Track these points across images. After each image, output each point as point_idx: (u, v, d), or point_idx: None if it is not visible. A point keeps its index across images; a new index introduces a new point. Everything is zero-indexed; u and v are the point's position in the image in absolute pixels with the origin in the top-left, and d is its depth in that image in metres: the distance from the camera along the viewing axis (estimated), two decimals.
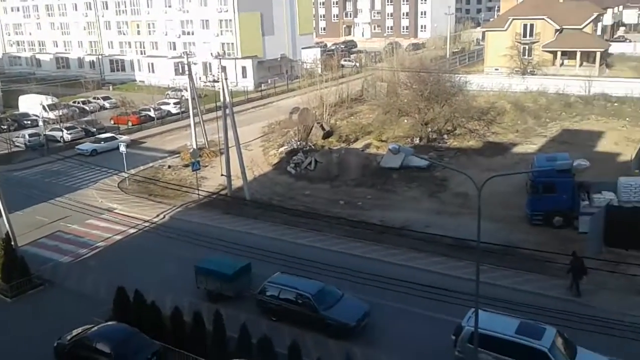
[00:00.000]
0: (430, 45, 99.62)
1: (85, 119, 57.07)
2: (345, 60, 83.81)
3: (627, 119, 46.65)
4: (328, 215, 30.68)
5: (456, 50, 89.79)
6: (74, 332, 20.52)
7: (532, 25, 67.09)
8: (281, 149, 43.94)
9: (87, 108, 62.89)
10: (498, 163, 38.31)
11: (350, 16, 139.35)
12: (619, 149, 39.56)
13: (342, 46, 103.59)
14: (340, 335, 20.70)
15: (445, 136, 44.23)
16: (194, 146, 43.20)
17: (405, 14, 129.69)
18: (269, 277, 22.83)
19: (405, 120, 45.75)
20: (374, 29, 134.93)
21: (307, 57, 79.93)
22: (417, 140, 43.40)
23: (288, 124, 49.04)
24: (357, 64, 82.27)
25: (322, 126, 46.34)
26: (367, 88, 58.57)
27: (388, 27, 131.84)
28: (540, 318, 18.70)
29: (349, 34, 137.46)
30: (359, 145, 44.14)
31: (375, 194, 34.94)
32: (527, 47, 67.22)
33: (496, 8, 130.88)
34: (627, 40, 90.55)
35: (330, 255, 26.48)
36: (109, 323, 20.72)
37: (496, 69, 66.92)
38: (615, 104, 50.39)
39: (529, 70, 63.61)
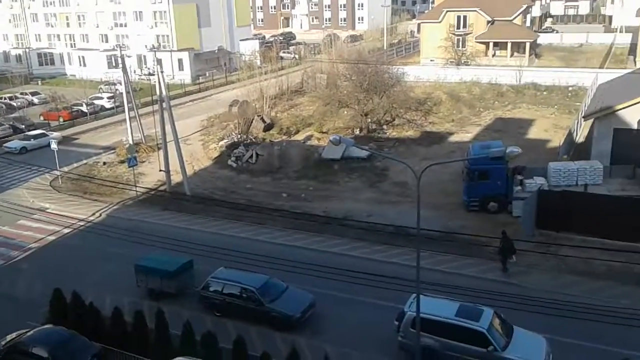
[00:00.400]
0: (367, 37, 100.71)
1: (13, 115, 54.37)
2: (284, 52, 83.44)
3: (556, 106, 48.82)
4: (271, 208, 30.57)
5: (393, 42, 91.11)
6: (9, 338, 19.60)
7: (465, 17, 68.98)
8: (221, 143, 43.38)
9: (15, 104, 59.89)
10: (435, 152, 39.25)
11: (288, 8, 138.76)
12: (548, 135, 41.35)
13: (280, 38, 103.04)
14: (285, 327, 20.75)
15: (385, 127, 44.89)
16: (130, 141, 42.00)
17: (342, 6, 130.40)
18: (212, 272, 22.57)
19: (345, 112, 46.11)
20: (312, 20, 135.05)
21: (246, 49, 79.08)
22: (357, 131, 43.86)
23: (228, 117, 48.45)
24: (296, 56, 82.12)
25: (262, 119, 46.03)
26: (307, 80, 58.61)
27: (326, 18, 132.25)
28: (479, 300, 19.33)
29: (287, 25, 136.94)
30: (300, 137, 44.14)
31: (317, 185, 35.09)
32: (460, 38, 69.06)
33: (431, 0, 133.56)
34: (554, 31, 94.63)
35: (274, 248, 26.44)
36: (45, 326, 19.91)
37: (432, 60, 68.42)
38: (545, 93, 52.66)
39: (463, 61, 65.44)
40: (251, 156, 39.26)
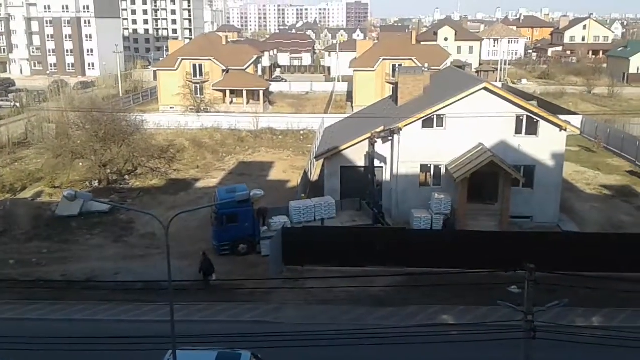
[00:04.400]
0: (100, 83, 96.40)
1: None
2: (2, 100, 74.54)
3: (291, 149, 52.81)
4: None
5: (129, 89, 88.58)
6: None
7: (200, 66, 70.85)
8: None
9: None
10: (183, 199, 38.76)
11: (5, 52, 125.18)
12: (287, 176, 44.30)
13: None
14: None
15: (127, 177, 42.90)
16: None
17: (69, 51, 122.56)
18: None
19: (81, 163, 42.78)
20: (35, 65, 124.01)
21: None
22: (96, 184, 41.00)
23: None
24: (17, 104, 73.94)
25: None
26: (32, 130, 53.10)
27: (51, 64, 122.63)
28: (238, 344, 19.26)
29: (5, 71, 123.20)
30: (27, 194, 39.43)
31: (52, 246, 31.47)
32: (198, 86, 70.53)
33: (165, 48, 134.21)
34: (284, 80, 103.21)
35: (1, 325, 22.66)
36: None
37: (171, 107, 68.29)
38: (280, 137, 56.65)
39: (202, 108, 66.78)
40: None
